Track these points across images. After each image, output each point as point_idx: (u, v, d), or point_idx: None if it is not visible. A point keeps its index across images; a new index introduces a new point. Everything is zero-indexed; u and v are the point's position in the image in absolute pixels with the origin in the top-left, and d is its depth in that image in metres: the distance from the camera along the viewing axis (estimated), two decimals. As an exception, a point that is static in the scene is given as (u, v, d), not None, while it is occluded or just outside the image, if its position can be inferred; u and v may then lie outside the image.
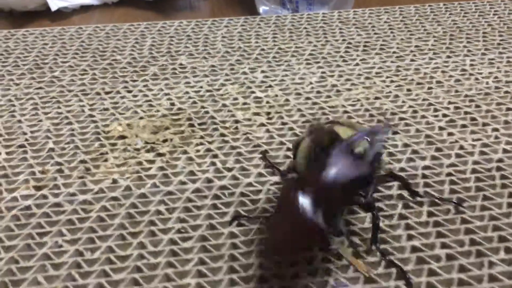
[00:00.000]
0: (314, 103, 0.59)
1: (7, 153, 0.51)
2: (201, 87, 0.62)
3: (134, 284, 0.39)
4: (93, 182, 0.48)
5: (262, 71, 0.65)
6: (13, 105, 0.59)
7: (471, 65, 0.66)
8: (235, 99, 0.60)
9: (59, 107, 0.58)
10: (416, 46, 0.70)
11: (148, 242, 0.42)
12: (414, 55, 0.68)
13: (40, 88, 0.62)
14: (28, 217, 0.44)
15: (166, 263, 0.40)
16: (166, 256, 0.41)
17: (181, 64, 0.67)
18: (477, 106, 0.58)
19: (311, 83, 0.63)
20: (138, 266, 0.40)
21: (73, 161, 0.50)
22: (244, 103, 0.59)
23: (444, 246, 0.41)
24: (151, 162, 0.50)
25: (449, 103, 0.58)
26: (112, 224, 0.43)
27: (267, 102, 0.59)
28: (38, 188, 0.47)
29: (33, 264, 0.40)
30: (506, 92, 0.60)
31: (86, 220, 0.44)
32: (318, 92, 0.61)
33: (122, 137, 0.54)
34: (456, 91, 0.61)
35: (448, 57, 0.68)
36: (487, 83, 0.62)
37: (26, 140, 0.53)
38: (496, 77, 0.63)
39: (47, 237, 0.42)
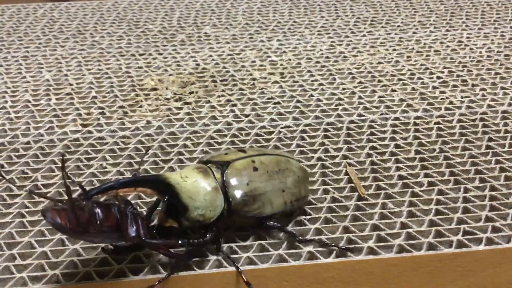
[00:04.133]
0: (323, 66, 0.67)
1: (56, 99, 0.60)
2: (223, 51, 0.70)
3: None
4: (130, 122, 0.56)
5: (278, 40, 0.73)
6: (60, 62, 0.68)
7: (467, 37, 0.72)
8: (253, 61, 0.68)
9: (99, 65, 0.67)
10: (419, 21, 0.77)
11: (177, 167, 0.50)
12: (417, 29, 0.75)
13: (83, 49, 0.71)
14: (77, 146, 0.53)
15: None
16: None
17: (205, 33, 0.75)
18: (469, 70, 0.65)
19: (321, 50, 0.70)
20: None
21: (113, 106, 0.59)
22: (261, 65, 0.67)
23: (427, 175, 0.48)
24: (179, 108, 0.59)
25: (444, 68, 0.65)
26: (147, 153, 0.52)
27: (281, 65, 0.67)
28: (84, 126, 0.56)
29: (83, 180, 0.48)
30: (497, 60, 0.67)
31: (125, 150, 0.52)
32: (327, 57, 0.69)
33: (154, 89, 0.62)
34: (451, 58, 0.68)
35: (447, 31, 0.74)
36: (480, 52, 0.69)
37: (72, 89, 0.62)
38: (489, 48, 0.70)
39: (93, 161, 0.51)
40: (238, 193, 0.40)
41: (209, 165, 0.41)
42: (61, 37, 0.74)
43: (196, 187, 0.39)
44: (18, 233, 0.43)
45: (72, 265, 0.40)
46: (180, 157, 0.51)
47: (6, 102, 0.60)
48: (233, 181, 0.40)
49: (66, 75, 0.65)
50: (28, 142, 0.53)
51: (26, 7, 0.82)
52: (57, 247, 0.41)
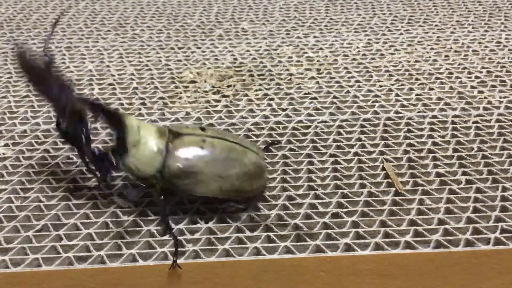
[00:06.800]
0: (360, 63, 0.67)
1: (99, 89, 0.62)
2: (260, 47, 0.71)
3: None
4: (170, 113, 0.58)
5: (315, 37, 0.74)
6: (102, 54, 0.69)
7: (506, 38, 0.72)
8: (290, 57, 0.69)
9: (140, 57, 0.69)
10: (457, 21, 0.77)
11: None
12: (454, 28, 0.75)
13: (124, 42, 0.72)
14: (119, 134, 0.54)
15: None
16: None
17: (243, 28, 0.76)
18: (508, 71, 0.64)
19: (358, 47, 0.71)
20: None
21: (153, 97, 0.60)
22: (298, 61, 0.68)
23: (465, 173, 0.48)
24: (217, 101, 0.60)
25: (482, 68, 0.65)
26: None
27: (318, 61, 0.68)
28: (126, 115, 0.57)
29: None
30: (537, 61, 0.66)
31: (165, 139, 0.53)
32: (364, 54, 0.69)
33: (193, 82, 0.64)
34: (490, 58, 0.67)
35: (486, 31, 0.74)
36: (520, 53, 0.68)
37: (114, 80, 0.64)
38: (529, 49, 0.69)
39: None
40: (172, 163, 0.41)
41: (170, 130, 0.42)
42: (102, 29, 0.76)
43: (145, 140, 0.41)
44: (64, 215, 0.45)
45: (116, 247, 0.41)
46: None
47: (51, 90, 0.62)
48: (174, 152, 0.41)
49: (108, 66, 0.67)
50: (72, 129, 0.55)
51: None
52: (102, 229, 0.43)
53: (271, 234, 0.42)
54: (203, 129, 0.44)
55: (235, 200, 0.44)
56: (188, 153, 0.42)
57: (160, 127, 0.43)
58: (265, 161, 0.46)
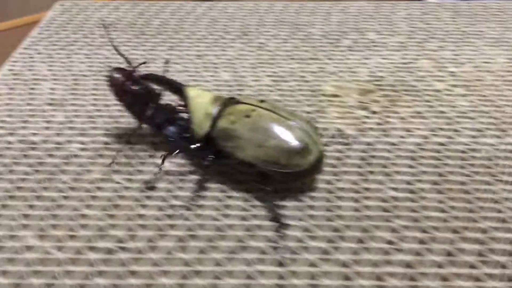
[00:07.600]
0: (506, 80, 0.63)
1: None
2: (395, 59, 0.68)
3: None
4: (320, 128, 0.55)
5: (450, 50, 0.70)
6: (233, 63, 0.68)
7: None
8: (430, 72, 0.65)
9: (272, 67, 0.66)
10: None
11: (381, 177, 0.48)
12: None
13: (251, 51, 0.71)
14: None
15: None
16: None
17: (371, 39, 0.73)
18: None
19: (499, 62, 0.67)
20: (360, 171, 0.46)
21: (297, 111, 0.58)
22: (441, 76, 0.64)
23: None
24: (367, 117, 0.57)
25: None
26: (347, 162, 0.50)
27: (462, 76, 0.64)
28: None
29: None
30: None
31: (325, 158, 0.51)
32: (509, 71, 0.65)
33: (335, 96, 0.61)
34: None
35: None
36: None
37: (253, 91, 0.62)
38: None
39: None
40: (218, 126, 0.47)
41: (230, 99, 0.48)
42: (227, 37, 0.74)
43: (200, 106, 0.47)
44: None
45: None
46: (383, 169, 0.50)
47: (190, 100, 0.60)
48: (223, 116, 0.46)
49: (242, 76, 0.65)
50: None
51: (185, 5, 0.83)
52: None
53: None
54: (262, 101, 0.47)
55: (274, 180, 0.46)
56: (234, 118, 0.46)
57: (217, 96, 0.48)
58: (319, 140, 0.47)
